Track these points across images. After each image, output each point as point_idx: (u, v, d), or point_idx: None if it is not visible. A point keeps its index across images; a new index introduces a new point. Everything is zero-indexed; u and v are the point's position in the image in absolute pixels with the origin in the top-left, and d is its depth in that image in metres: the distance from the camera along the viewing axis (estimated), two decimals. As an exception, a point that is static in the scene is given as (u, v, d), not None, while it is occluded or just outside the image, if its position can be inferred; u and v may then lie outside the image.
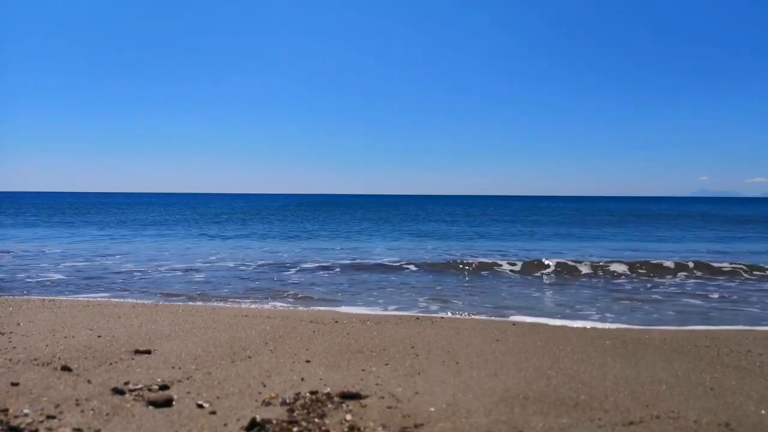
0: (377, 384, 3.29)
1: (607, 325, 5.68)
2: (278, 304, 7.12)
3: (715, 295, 8.16)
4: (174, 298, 7.47)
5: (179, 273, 10.19)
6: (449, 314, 6.47)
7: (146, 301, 6.83)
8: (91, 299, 6.98)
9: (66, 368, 3.39)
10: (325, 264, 11.55)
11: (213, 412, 2.73)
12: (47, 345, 4.04)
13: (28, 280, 9.08)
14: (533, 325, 5.48)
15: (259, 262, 11.81)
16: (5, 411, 2.63)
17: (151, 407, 2.77)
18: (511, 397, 3.07)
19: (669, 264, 11.26)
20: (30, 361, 3.56)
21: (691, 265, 11.18)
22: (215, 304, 7.01)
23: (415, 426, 2.62)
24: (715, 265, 11.13)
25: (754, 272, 10.44)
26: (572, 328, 5.28)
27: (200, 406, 2.80)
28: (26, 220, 28.62)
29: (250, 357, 3.90)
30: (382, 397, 3.03)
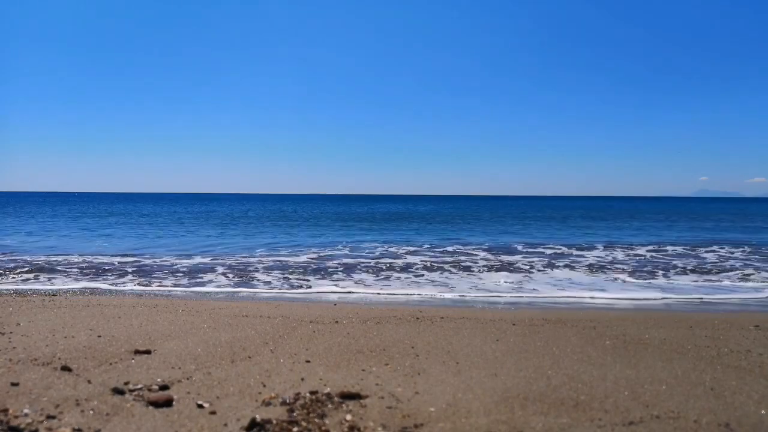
0: (377, 384, 3.29)
1: (604, 317, 5.68)
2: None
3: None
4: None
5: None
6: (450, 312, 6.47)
7: (146, 301, 6.83)
8: (91, 299, 6.98)
9: (66, 368, 3.39)
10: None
11: (213, 412, 2.73)
12: (47, 345, 4.04)
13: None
14: (533, 325, 5.48)
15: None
16: (5, 411, 2.64)
17: (151, 407, 2.77)
18: (511, 397, 3.07)
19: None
20: (30, 361, 3.56)
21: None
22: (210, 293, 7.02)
23: (415, 426, 2.62)
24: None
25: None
26: (572, 328, 5.28)
27: (200, 406, 2.81)
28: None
29: (250, 357, 3.90)
30: (382, 397, 3.03)
